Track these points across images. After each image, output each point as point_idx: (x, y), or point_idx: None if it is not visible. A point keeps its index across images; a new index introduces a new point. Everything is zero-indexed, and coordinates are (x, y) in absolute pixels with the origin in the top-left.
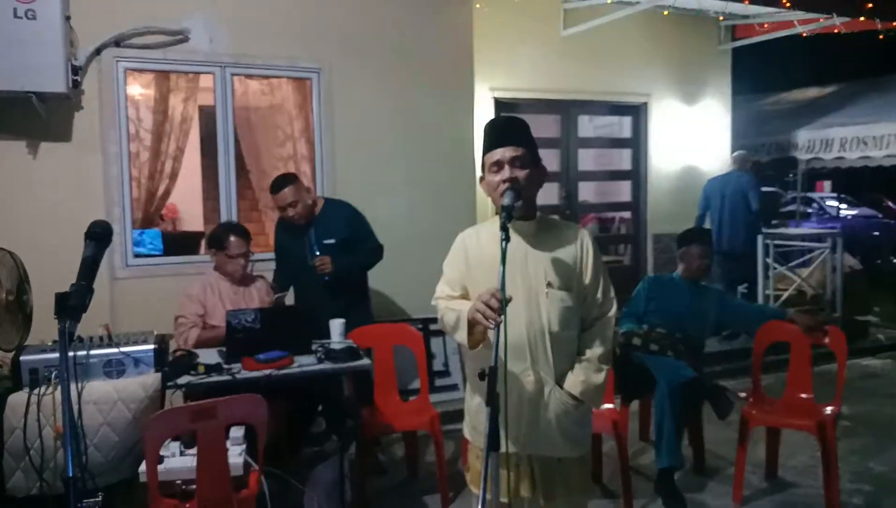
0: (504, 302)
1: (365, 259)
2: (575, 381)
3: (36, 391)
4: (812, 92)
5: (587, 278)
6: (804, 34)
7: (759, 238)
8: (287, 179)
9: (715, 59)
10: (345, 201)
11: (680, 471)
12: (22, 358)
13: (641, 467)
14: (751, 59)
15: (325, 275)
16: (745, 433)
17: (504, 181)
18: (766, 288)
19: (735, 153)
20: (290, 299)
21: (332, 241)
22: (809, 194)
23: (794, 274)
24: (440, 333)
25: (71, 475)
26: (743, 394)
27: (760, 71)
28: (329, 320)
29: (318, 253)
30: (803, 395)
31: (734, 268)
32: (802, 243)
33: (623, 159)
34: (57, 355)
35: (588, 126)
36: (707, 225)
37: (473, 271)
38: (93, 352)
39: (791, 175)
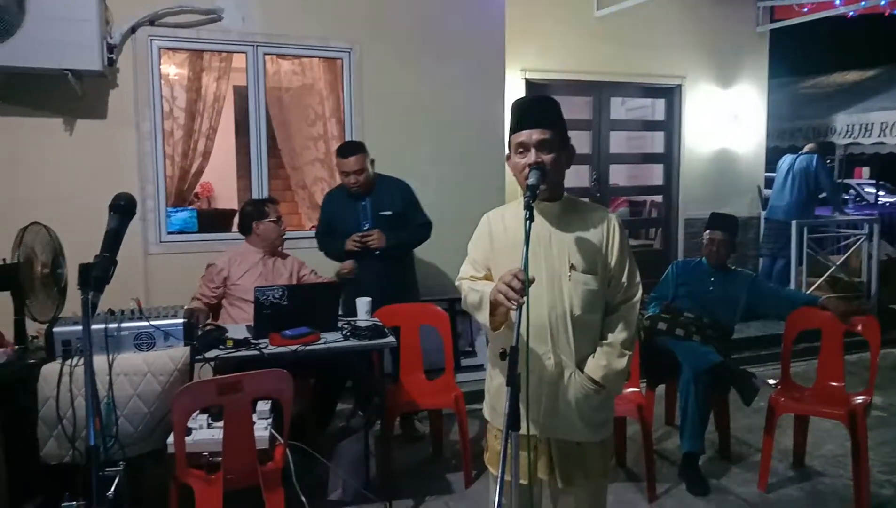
0: (527, 283)
1: (415, 234)
2: (596, 365)
3: (68, 361)
4: (853, 75)
5: (613, 262)
6: (847, 15)
7: (794, 224)
8: (357, 147)
9: (752, 40)
10: (398, 177)
11: (704, 456)
12: (55, 330)
13: (666, 451)
14: (789, 41)
15: (377, 249)
16: (772, 421)
17: (529, 165)
18: (799, 274)
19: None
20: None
21: (388, 213)
22: (847, 181)
23: (829, 261)
24: (466, 313)
25: (93, 443)
26: (772, 381)
27: (799, 53)
28: (380, 293)
29: (367, 226)
30: (834, 383)
31: (784, 239)
32: (838, 230)
33: (655, 142)
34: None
35: (620, 108)
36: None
37: (497, 252)
38: (123, 325)
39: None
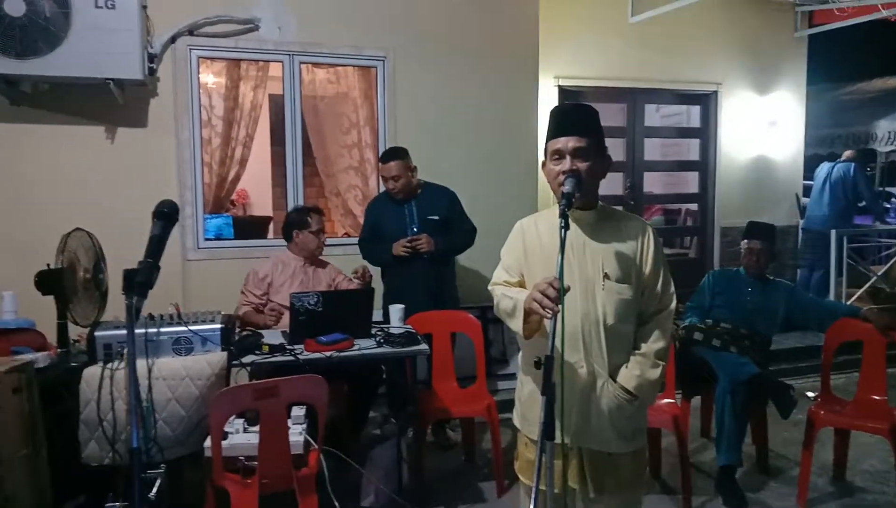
0: (562, 292)
1: (461, 239)
2: (630, 375)
3: (109, 365)
4: (894, 81)
5: (647, 271)
6: (892, 18)
7: (833, 233)
8: (396, 153)
9: (790, 46)
10: (444, 185)
11: (741, 470)
12: (96, 333)
13: (702, 464)
14: (828, 47)
15: (425, 253)
16: (811, 434)
17: (564, 173)
18: (839, 285)
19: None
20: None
21: (435, 217)
22: (889, 189)
23: (870, 271)
24: (499, 321)
25: (136, 446)
26: (811, 394)
27: (838, 59)
28: (428, 296)
29: (415, 230)
30: (876, 397)
31: (822, 249)
32: (880, 240)
33: (691, 150)
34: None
35: (655, 115)
36: (805, 202)
37: (530, 260)
38: (163, 330)
39: (869, 168)
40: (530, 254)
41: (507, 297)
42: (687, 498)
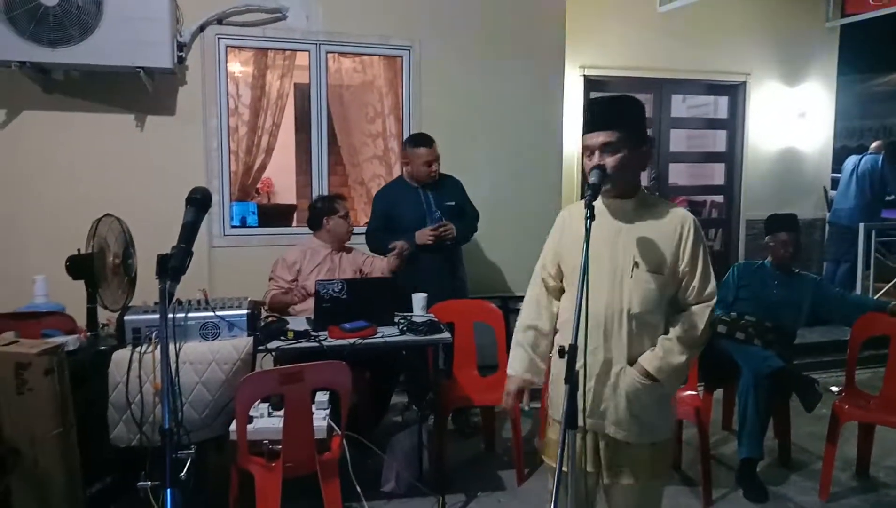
0: (585, 280)
1: (471, 225)
2: (652, 357)
3: (138, 349)
4: None
5: (684, 263)
6: None
7: (861, 227)
8: (429, 138)
9: (821, 36)
10: (451, 174)
11: (763, 463)
12: (126, 318)
13: (723, 456)
14: (860, 37)
15: (448, 240)
16: (835, 429)
17: (593, 168)
18: (866, 279)
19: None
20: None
21: (451, 203)
22: None
23: None
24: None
25: (167, 427)
26: (835, 388)
27: (870, 49)
28: (440, 285)
29: (437, 216)
30: None
31: (848, 243)
32: None
33: (717, 141)
34: (158, 316)
35: (681, 106)
36: (832, 195)
37: (564, 248)
38: (190, 315)
39: None
40: (566, 240)
41: (516, 345)
42: (707, 490)
